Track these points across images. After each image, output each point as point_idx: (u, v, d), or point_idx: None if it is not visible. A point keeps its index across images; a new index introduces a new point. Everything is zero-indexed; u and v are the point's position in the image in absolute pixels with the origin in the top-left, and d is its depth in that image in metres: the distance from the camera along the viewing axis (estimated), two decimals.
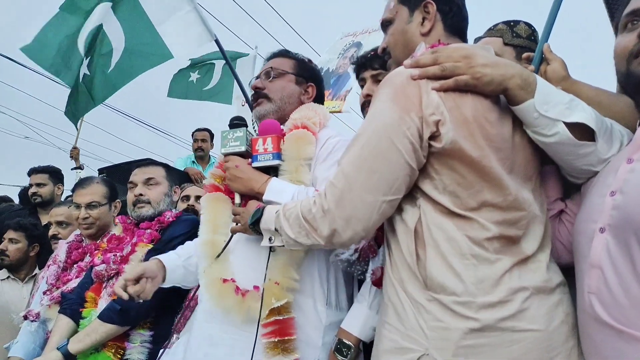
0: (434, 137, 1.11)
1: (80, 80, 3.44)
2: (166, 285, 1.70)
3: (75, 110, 3.61)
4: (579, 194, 1.28)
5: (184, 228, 2.06)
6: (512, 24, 1.81)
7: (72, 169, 5.76)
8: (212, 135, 5.03)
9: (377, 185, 1.11)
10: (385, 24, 1.40)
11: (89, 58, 3.41)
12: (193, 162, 4.92)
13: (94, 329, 1.89)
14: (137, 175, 2.22)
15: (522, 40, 1.77)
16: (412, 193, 1.18)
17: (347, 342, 1.38)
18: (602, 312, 1.03)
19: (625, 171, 1.08)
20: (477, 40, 1.81)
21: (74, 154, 5.41)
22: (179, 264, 1.73)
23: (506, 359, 1.04)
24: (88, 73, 3.42)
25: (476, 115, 1.12)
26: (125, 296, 1.51)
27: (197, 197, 3.04)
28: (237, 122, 1.62)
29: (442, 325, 1.07)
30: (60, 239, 2.85)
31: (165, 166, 2.37)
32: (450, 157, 1.11)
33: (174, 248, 1.86)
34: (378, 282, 1.42)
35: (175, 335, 1.91)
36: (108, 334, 1.89)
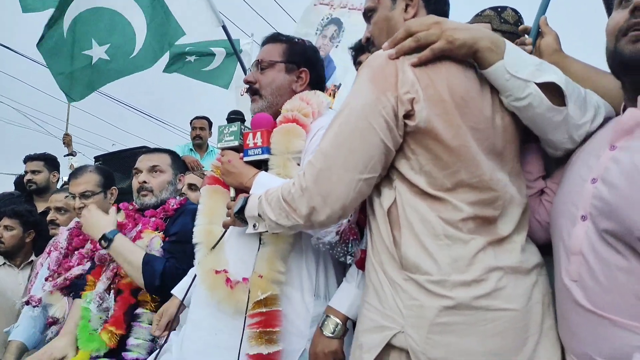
0: (408, 115, 1.13)
1: (92, 63, 3.57)
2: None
3: (77, 89, 3.73)
4: (559, 172, 1.29)
5: (193, 219, 2.04)
6: (499, 9, 1.84)
7: (64, 156, 5.73)
8: (210, 124, 5.02)
9: (353, 163, 1.14)
10: (368, 13, 1.42)
11: (109, 44, 3.52)
12: (191, 149, 4.91)
13: (132, 262, 1.93)
14: (142, 162, 2.23)
15: (509, 26, 1.81)
16: (389, 175, 1.21)
17: (335, 319, 1.41)
18: (582, 299, 1.05)
19: (607, 158, 1.08)
20: None
21: (67, 140, 5.38)
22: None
23: (481, 337, 1.07)
24: (107, 58, 3.54)
25: (452, 93, 1.14)
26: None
27: (190, 185, 3.06)
28: (233, 117, 1.65)
29: (417, 303, 1.11)
30: (58, 224, 2.86)
31: (172, 153, 2.36)
32: (425, 136, 1.14)
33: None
34: (359, 264, 1.45)
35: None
36: (132, 276, 1.95)
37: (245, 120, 1.65)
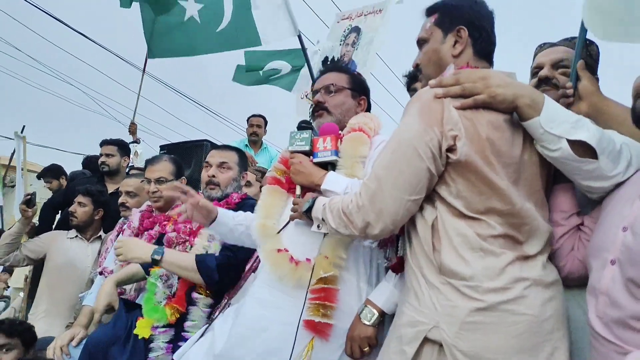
0: (451, 149, 1.29)
1: (185, 19, 3.89)
2: (210, 230, 2.00)
3: (158, 44, 4.15)
4: (597, 210, 1.40)
5: (252, 213, 2.23)
6: (588, 42, 1.90)
7: (129, 143, 6.14)
8: (266, 122, 5.21)
9: (403, 186, 1.32)
10: (421, 42, 1.57)
11: (202, 5, 3.83)
12: (246, 145, 5.08)
13: (187, 266, 2.11)
14: (214, 157, 2.44)
15: (592, 60, 1.86)
16: (431, 196, 1.37)
17: (372, 310, 1.60)
18: (605, 332, 1.18)
19: (637, 207, 1.21)
20: (542, 45, 1.86)
21: (132, 129, 5.58)
22: (229, 223, 2.00)
23: (505, 336, 1.23)
24: (198, 21, 3.85)
25: (489, 134, 1.29)
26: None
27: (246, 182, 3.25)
28: (304, 126, 1.86)
29: (451, 304, 1.27)
30: (128, 207, 3.13)
31: (239, 152, 2.55)
32: (464, 169, 1.29)
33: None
34: (393, 267, 1.65)
35: (225, 301, 2.13)
36: (192, 278, 2.13)
37: (313, 129, 1.86)
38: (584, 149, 1.27)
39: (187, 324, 2.13)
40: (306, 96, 4.06)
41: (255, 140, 5.18)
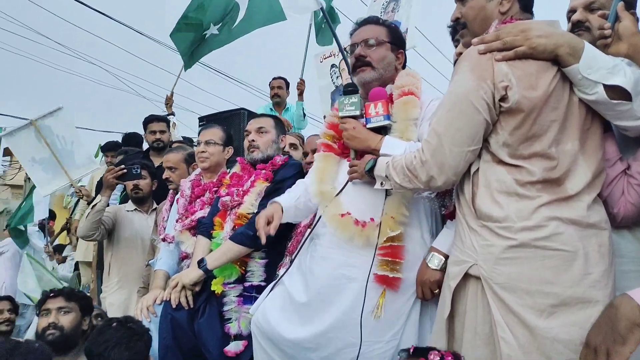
0: (503, 99, 1.40)
1: (205, 38, 3.96)
2: (283, 221, 2.05)
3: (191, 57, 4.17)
4: None
5: (293, 171, 2.49)
6: None
7: (166, 115, 6.33)
8: (287, 84, 5.31)
9: (461, 139, 1.44)
10: None
11: (221, 24, 3.89)
12: (271, 109, 5.24)
13: (228, 249, 2.33)
14: (252, 125, 2.65)
15: None
16: None
17: (439, 256, 1.76)
18: None
19: None
20: None
21: (170, 102, 5.70)
22: (292, 204, 2.08)
23: (538, 269, 1.37)
24: (217, 33, 3.91)
25: (539, 81, 1.38)
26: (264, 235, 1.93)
27: (291, 145, 3.34)
28: (350, 89, 1.91)
29: (488, 243, 1.42)
30: (171, 181, 3.26)
31: (275, 118, 2.77)
32: (514, 115, 1.40)
33: (285, 187, 2.26)
34: (449, 215, 1.79)
35: (288, 257, 2.36)
36: (240, 253, 2.33)
37: (359, 92, 1.90)
38: (619, 92, 1.35)
39: (247, 274, 2.38)
40: (325, 59, 4.15)
41: (278, 101, 5.29)
